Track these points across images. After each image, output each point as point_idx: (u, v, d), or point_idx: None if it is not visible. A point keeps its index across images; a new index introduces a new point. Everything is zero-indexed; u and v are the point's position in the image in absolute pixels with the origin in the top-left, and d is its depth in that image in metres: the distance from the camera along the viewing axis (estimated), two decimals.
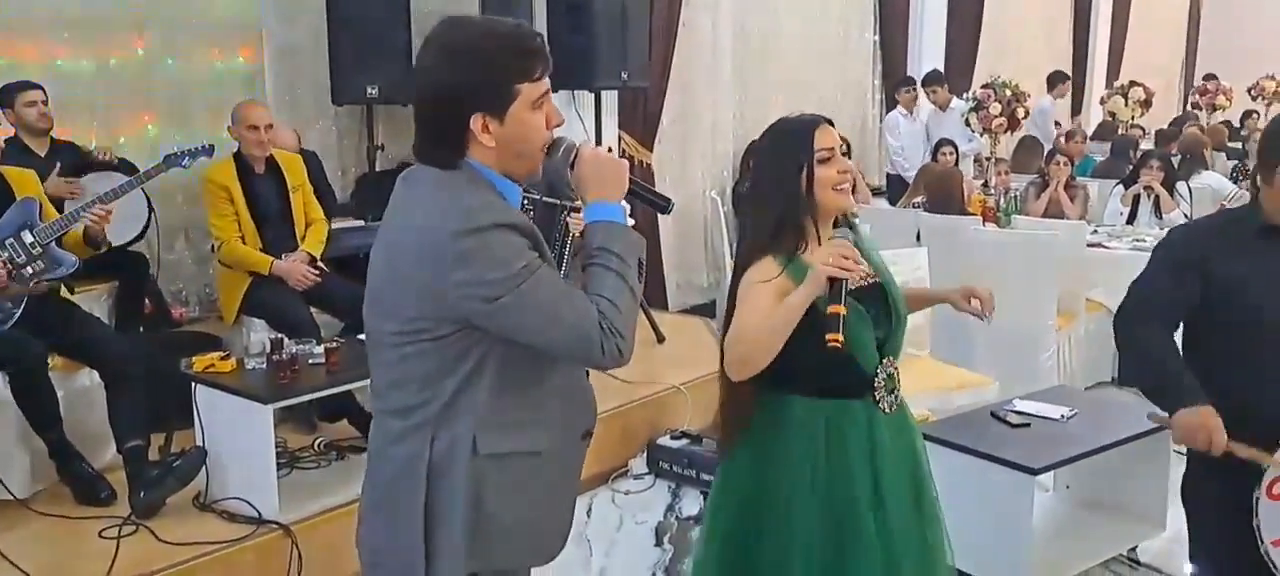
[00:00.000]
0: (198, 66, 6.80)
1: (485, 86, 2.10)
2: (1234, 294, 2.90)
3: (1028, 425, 4.34)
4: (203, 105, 6.78)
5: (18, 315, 4.33)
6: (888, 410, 2.81)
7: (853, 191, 2.94)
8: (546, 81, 2.17)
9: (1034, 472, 3.93)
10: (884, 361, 2.80)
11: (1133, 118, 11.75)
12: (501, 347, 2.14)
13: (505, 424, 2.20)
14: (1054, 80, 12.06)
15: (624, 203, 2.28)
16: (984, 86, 9.01)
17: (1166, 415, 2.96)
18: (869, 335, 2.75)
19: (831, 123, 2.84)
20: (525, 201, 2.40)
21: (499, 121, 2.11)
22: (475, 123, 2.10)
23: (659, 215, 7.77)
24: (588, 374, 2.48)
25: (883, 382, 2.79)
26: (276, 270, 5.32)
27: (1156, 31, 16.51)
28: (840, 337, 2.52)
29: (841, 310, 2.54)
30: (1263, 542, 2.86)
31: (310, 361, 4.50)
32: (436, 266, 2.04)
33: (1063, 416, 4.38)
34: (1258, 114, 13.65)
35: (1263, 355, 2.85)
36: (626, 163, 2.32)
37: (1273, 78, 14.21)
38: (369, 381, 2.39)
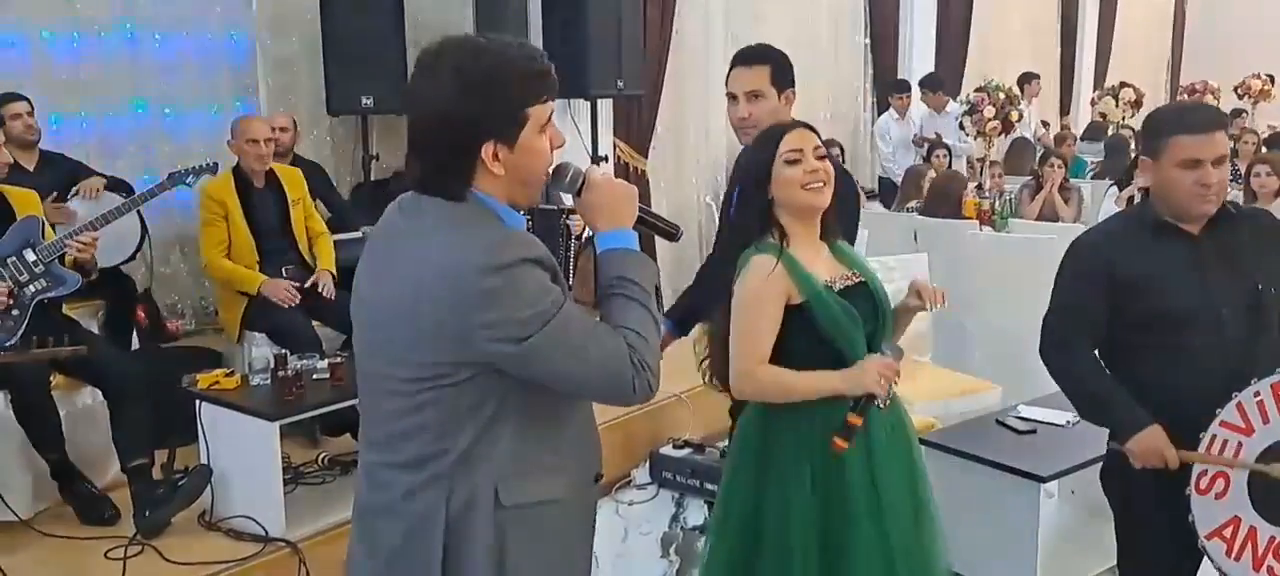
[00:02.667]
0: (190, 81, 6.79)
1: (498, 115, 2.00)
2: (1140, 294, 2.98)
3: (1033, 432, 4.35)
4: (196, 120, 6.78)
5: (20, 333, 4.31)
6: (882, 407, 2.83)
7: None
8: (552, 103, 2.08)
9: (1041, 481, 3.94)
10: None
11: (1124, 118, 11.77)
12: (521, 391, 2.02)
13: (528, 471, 2.08)
14: (1021, 82, 11.62)
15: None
16: (977, 90, 9.02)
17: (1121, 446, 3.03)
18: (860, 334, 2.79)
19: (812, 129, 2.92)
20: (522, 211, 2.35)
21: (509, 149, 2.01)
22: (486, 151, 1.99)
23: None
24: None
25: None
26: (265, 291, 5.29)
27: (1142, 32, 16.55)
28: (847, 444, 2.64)
29: (859, 422, 2.66)
30: (1199, 537, 2.95)
31: (315, 376, 4.49)
32: (461, 306, 1.92)
33: (1068, 423, 4.38)
34: (1246, 113, 13.69)
35: (1177, 349, 2.94)
36: (635, 189, 2.23)
37: (1259, 76, 14.25)
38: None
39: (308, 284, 5.43)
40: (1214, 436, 2.91)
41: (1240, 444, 2.90)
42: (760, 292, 2.76)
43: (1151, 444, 2.93)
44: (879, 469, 2.83)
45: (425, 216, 2.04)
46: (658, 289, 2.16)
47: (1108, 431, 3.18)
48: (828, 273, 2.84)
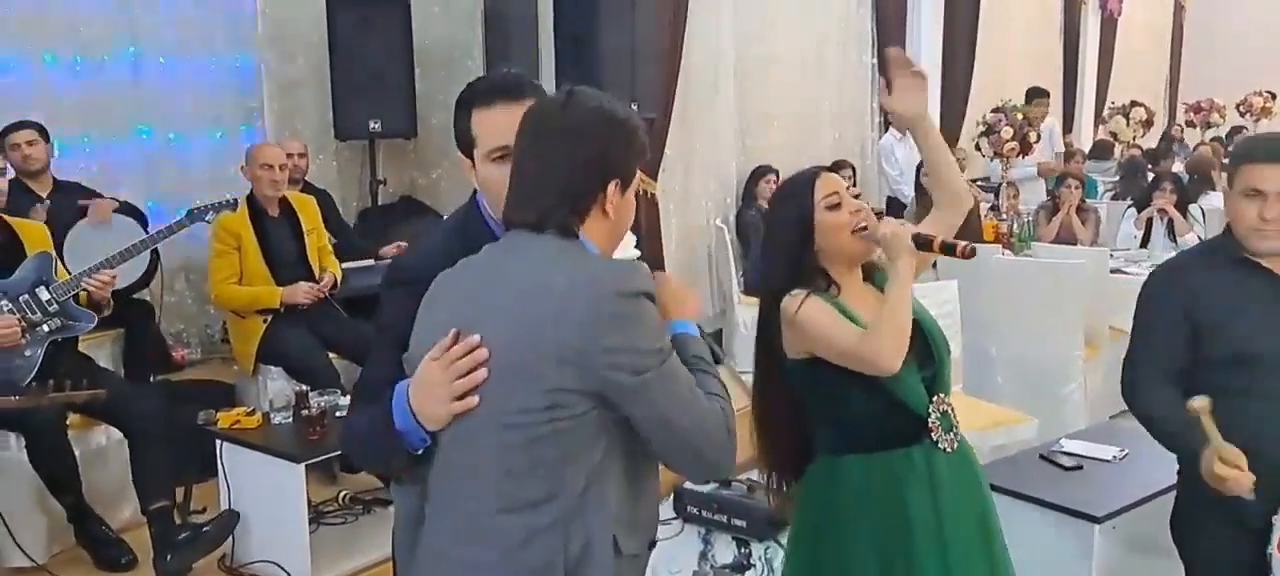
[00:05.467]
0: (195, 103, 6.68)
1: (628, 156, 2.06)
2: (1223, 332, 2.88)
3: (1080, 467, 4.22)
4: (202, 144, 6.67)
5: (34, 373, 4.16)
6: (948, 449, 2.72)
7: None
8: None
9: (1097, 521, 3.81)
10: (935, 399, 2.72)
11: (1135, 138, 11.70)
12: (625, 434, 1.97)
13: (635, 522, 2.04)
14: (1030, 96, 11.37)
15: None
16: (994, 110, 8.90)
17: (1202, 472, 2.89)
18: (914, 376, 2.68)
19: (834, 169, 2.85)
20: None
21: (621, 194, 2.05)
22: (612, 188, 2.02)
23: (663, 243, 7.68)
24: None
25: (938, 421, 2.72)
26: (287, 299, 5.19)
27: (1141, 50, 16.51)
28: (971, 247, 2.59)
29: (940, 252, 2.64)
30: None
31: (338, 414, 4.35)
32: (590, 326, 1.88)
33: (1115, 457, 4.26)
34: (1246, 129, 13.67)
35: (1257, 394, 2.83)
36: (699, 296, 2.22)
37: (1261, 94, 14.22)
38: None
39: (321, 283, 5.38)
40: None
41: None
42: (802, 311, 2.62)
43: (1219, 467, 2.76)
44: (946, 514, 2.70)
45: (537, 251, 1.99)
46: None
47: (1176, 475, 3.08)
48: (874, 315, 2.71)
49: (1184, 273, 3.06)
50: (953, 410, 2.78)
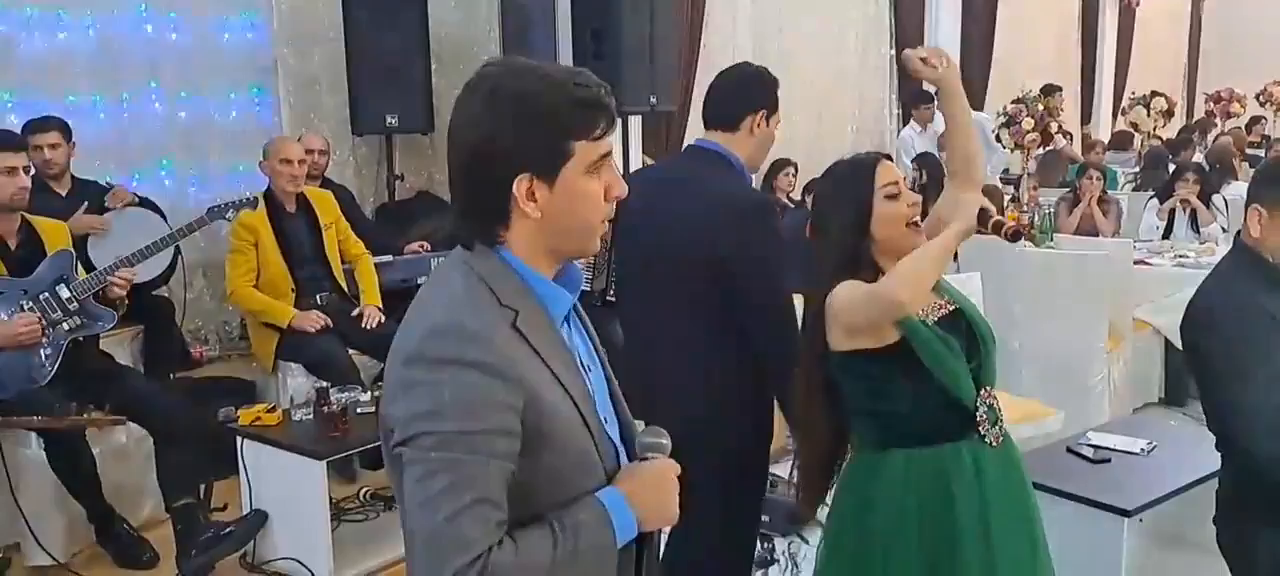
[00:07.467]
0: (212, 100, 6.67)
1: (535, 143, 1.68)
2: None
3: (1108, 460, 4.16)
4: (218, 139, 6.67)
5: (53, 372, 4.14)
6: (994, 444, 2.67)
7: None
8: (608, 141, 1.75)
9: (1128, 514, 3.76)
10: (982, 393, 2.65)
11: (1155, 128, 11.63)
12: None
13: None
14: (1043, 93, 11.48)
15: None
16: (1015, 101, 8.85)
17: None
18: (962, 366, 2.61)
19: (890, 159, 2.74)
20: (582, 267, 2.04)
21: (548, 187, 1.69)
22: (520, 187, 1.68)
23: None
24: None
25: (985, 416, 2.65)
26: (296, 325, 5.15)
27: (1158, 40, 16.42)
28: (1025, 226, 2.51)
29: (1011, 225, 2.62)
30: None
31: (359, 410, 4.33)
32: (387, 392, 1.69)
33: (1143, 449, 4.20)
34: (1265, 120, 13.57)
35: None
36: (677, 516, 1.84)
37: None
38: None
39: (354, 314, 5.34)
40: None
41: None
42: (834, 294, 2.57)
43: None
44: (993, 511, 2.65)
45: (440, 273, 1.77)
46: None
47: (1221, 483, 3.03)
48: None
49: (1249, 292, 2.95)
50: (997, 404, 2.72)
